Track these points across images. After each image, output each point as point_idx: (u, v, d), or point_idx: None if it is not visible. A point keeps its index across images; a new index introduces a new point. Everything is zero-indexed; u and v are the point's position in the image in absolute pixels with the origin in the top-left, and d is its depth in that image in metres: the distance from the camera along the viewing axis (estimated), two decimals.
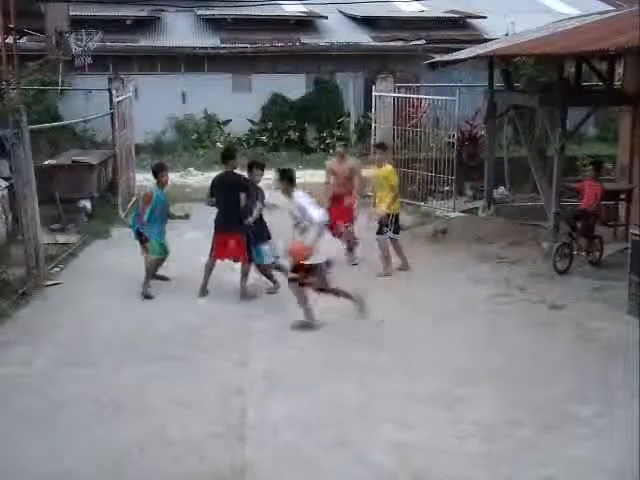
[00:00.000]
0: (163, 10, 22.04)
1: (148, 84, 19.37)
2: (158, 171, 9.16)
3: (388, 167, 9.84)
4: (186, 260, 10.14)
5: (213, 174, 10.30)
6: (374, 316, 8.18)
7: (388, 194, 9.66)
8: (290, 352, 7.20)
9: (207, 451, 5.34)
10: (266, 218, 8.98)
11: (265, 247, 8.92)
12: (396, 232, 9.84)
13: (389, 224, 9.67)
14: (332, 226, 8.92)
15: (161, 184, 9.12)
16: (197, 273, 9.58)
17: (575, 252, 9.93)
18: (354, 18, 23.16)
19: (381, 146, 10.31)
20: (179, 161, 18.92)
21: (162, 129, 20.29)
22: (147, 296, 8.79)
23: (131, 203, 13.75)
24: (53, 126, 14.27)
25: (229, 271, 9.79)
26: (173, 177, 14.62)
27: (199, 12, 22.32)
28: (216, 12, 21.95)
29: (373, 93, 15.30)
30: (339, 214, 9.86)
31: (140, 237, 9.13)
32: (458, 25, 23.06)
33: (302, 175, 17.69)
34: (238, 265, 9.04)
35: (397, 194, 9.87)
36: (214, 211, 9.04)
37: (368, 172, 10.70)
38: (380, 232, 9.72)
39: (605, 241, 10.31)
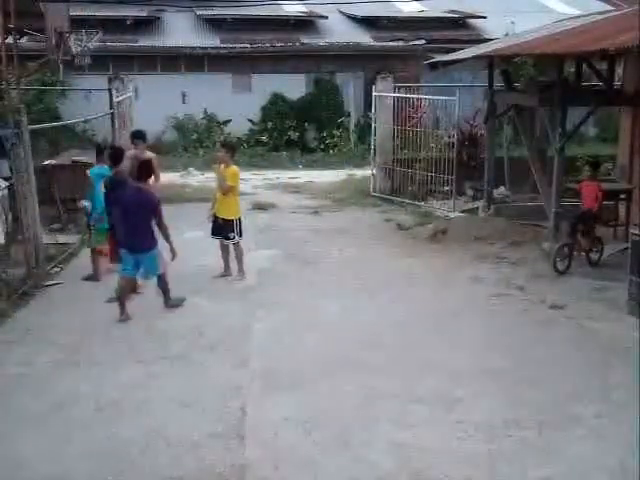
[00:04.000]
0: (163, 10, 22.05)
1: (148, 84, 19.37)
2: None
3: (234, 168, 9.44)
4: (186, 260, 10.16)
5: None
6: (374, 316, 8.21)
7: (234, 197, 9.46)
8: (290, 352, 7.20)
9: (207, 451, 5.34)
10: None
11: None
12: (240, 235, 9.55)
13: (235, 229, 9.43)
14: None
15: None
16: (197, 273, 9.62)
17: (575, 252, 9.94)
18: (354, 18, 23.17)
19: (227, 145, 10.01)
20: (179, 161, 18.93)
21: (162, 129, 20.28)
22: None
23: None
24: (53, 126, 14.27)
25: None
26: (173, 177, 14.67)
27: (199, 12, 22.33)
28: (216, 12, 21.96)
29: (373, 93, 15.31)
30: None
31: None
32: (458, 25, 23.08)
33: (302, 175, 17.85)
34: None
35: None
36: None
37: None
38: (228, 237, 9.42)
39: (605, 241, 10.32)
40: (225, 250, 9.58)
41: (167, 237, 8.22)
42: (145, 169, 8.38)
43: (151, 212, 8.04)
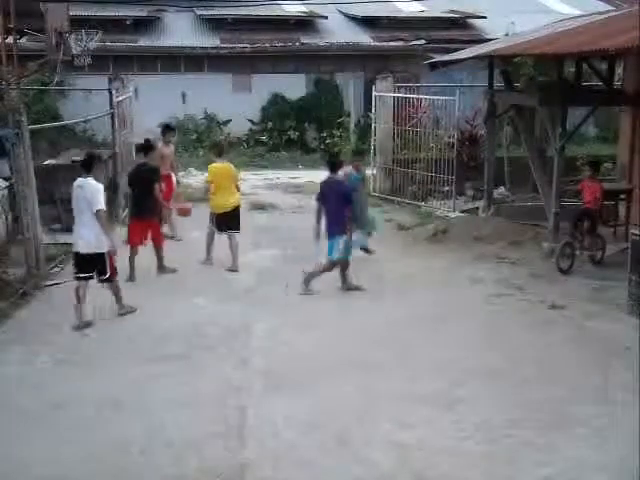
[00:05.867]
0: (163, 10, 22.03)
1: (148, 84, 19.34)
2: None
3: (210, 166, 10.24)
4: (186, 260, 10.17)
5: None
6: (374, 316, 8.21)
7: (213, 194, 10.00)
8: (290, 352, 7.20)
9: (207, 451, 5.34)
10: None
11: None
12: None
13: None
14: None
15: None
16: (197, 273, 9.62)
17: (577, 252, 9.94)
18: (354, 18, 23.15)
19: (210, 145, 10.52)
20: (179, 161, 18.89)
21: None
22: None
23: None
24: (53, 126, 14.26)
25: (229, 270, 9.84)
26: (173, 177, 14.67)
27: (199, 12, 22.31)
28: (216, 12, 21.94)
29: (373, 93, 15.30)
30: None
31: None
32: (458, 25, 23.05)
33: (302, 175, 17.83)
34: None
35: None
36: None
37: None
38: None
39: (605, 241, 10.32)
40: (212, 238, 10.06)
41: None
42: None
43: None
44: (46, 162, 12.82)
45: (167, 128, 12.18)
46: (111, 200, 13.27)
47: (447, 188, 13.75)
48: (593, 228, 10.06)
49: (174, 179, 11.73)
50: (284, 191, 16.07)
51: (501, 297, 8.89)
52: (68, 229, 11.73)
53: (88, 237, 7.74)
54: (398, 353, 7.14)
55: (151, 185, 9.40)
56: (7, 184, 10.46)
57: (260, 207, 14.08)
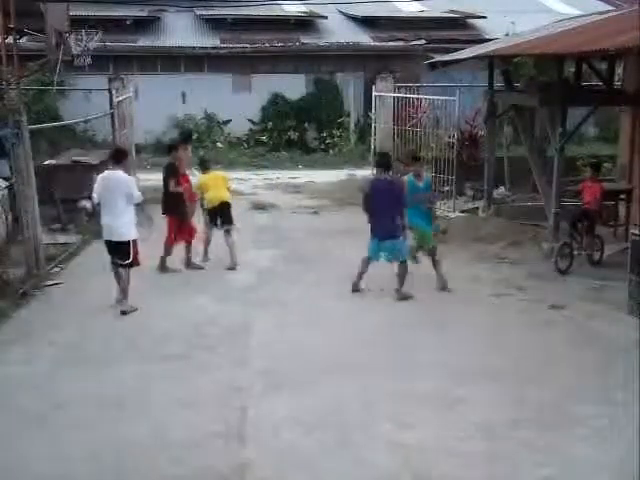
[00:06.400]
0: (163, 10, 22.04)
1: (148, 84, 19.38)
2: None
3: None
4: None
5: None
6: (374, 316, 8.20)
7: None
8: (290, 352, 7.20)
9: (207, 451, 5.34)
10: None
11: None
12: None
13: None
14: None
15: None
16: (197, 272, 9.62)
17: (575, 252, 9.94)
18: (354, 18, 23.16)
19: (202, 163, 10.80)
20: None
21: (162, 129, 20.28)
22: None
23: None
24: (53, 126, 14.26)
25: (228, 270, 9.85)
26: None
27: (199, 12, 22.32)
28: (216, 12, 21.95)
29: (373, 93, 15.33)
30: None
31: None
32: (458, 25, 23.05)
33: (302, 175, 17.84)
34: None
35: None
36: None
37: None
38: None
39: (605, 241, 10.32)
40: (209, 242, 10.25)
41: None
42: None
43: None
44: (46, 162, 12.82)
45: (189, 137, 12.73)
46: None
47: (447, 188, 13.75)
48: (591, 229, 10.06)
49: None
50: (284, 191, 16.09)
51: (501, 297, 8.89)
52: (68, 229, 11.86)
53: (117, 225, 8.19)
54: (398, 353, 7.14)
55: (164, 182, 9.96)
56: (7, 184, 10.47)
57: (260, 207, 14.08)
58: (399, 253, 8.70)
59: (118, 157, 8.46)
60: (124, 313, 8.21)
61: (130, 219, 8.23)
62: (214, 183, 10.18)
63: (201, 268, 9.98)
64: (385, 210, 8.60)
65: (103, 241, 8.47)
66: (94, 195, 8.43)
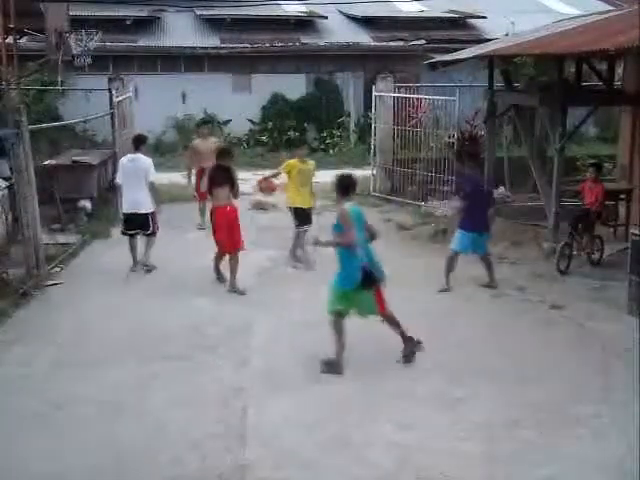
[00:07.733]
0: (163, 10, 22.02)
1: (148, 84, 19.35)
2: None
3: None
4: (187, 260, 10.17)
5: None
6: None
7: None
8: (290, 352, 7.20)
9: (207, 451, 5.34)
10: None
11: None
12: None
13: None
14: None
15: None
16: (198, 272, 9.62)
17: (575, 252, 9.94)
18: (354, 18, 23.15)
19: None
20: (179, 161, 18.90)
21: (162, 129, 20.26)
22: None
23: None
24: (53, 126, 14.25)
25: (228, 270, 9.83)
26: (174, 177, 14.67)
27: (199, 12, 22.31)
28: (216, 12, 21.94)
29: (373, 93, 15.30)
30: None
31: None
32: (458, 25, 23.05)
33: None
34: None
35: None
36: None
37: None
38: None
39: (605, 241, 10.32)
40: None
41: None
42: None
43: None
44: (46, 162, 12.81)
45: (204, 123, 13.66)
46: (109, 200, 13.32)
47: (447, 188, 13.75)
48: (591, 229, 10.06)
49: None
50: (284, 191, 16.04)
51: (501, 297, 8.90)
52: (68, 229, 11.86)
53: (142, 199, 9.59)
54: (398, 352, 7.13)
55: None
56: (7, 184, 10.46)
57: (261, 207, 14.07)
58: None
59: (138, 143, 9.89)
60: (149, 271, 9.67)
61: (148, 194, 9.60)
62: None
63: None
64: (478, 206, 9.04)
65: (122, 217, 9.88)
66: (117, 175, 9.83)
